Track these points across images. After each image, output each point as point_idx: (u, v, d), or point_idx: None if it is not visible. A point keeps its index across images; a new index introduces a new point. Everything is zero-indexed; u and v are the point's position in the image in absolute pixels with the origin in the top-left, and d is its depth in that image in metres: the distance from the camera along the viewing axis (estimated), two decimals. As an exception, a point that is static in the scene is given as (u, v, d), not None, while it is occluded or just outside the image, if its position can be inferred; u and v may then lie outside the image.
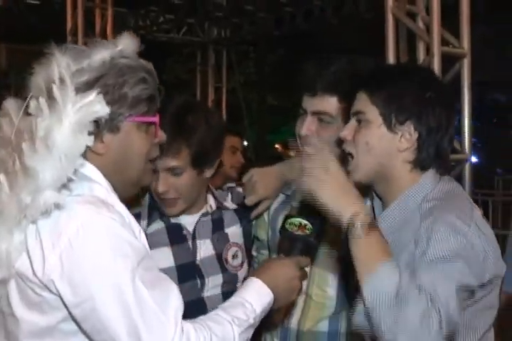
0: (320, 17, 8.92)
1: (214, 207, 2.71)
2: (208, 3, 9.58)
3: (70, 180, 1.80)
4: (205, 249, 2.63)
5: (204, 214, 2.67)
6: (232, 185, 2.89)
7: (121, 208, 1.92)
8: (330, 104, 2.46)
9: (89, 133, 1.82)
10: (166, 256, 2.56)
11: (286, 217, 2.22)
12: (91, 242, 1.77)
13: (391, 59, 5.55)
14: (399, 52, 5.60)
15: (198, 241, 2.62)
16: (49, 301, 1.79)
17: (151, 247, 2.36)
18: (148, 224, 2.60)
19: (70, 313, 1.78)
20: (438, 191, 2.10)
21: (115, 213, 1.84)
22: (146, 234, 2.34)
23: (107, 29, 8.04)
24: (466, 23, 5.38)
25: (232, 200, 2.79)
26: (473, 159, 6.46)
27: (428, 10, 5.36)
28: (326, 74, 2.46)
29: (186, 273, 2.57)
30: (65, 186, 1.80)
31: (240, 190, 2.83)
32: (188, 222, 2.64)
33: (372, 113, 2.12)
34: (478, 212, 2.10)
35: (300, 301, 2.59)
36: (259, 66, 13.16)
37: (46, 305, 1.80)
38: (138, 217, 2.54)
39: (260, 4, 9.28)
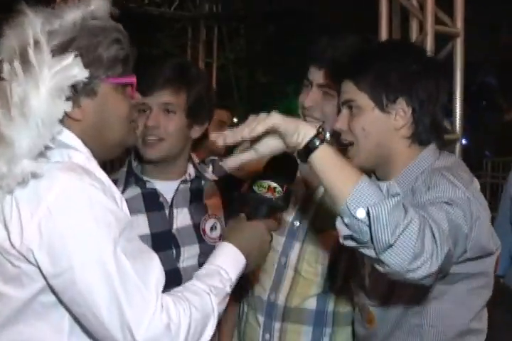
0: None
1: (193, 176, 2.66)
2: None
3: (47, 147, 1.75)
4: (181, 218, 2.58)
5: (183, 182, 2.62)
6: (215, 158, 2.84)
7: (102, 175, 1.87)
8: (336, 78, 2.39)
9: (67, 98, 1.76)
10: (140, 223, 2.50)
11: (254, 179, 2.14)
12: (72, 210, 1.70)
13: (384, 37, 5.50)
14: (392, 30, 5.57)
15: (174, 210, 2.57)
16: (27, 272, 1.73)
17: None
18: (124, 190, 2.53)
19: (48, 284, 1.73)
20: (439, 163, 2.10)
21: (96, 180, 1.78)
22: None
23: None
24: (460, 1, 5.36)
25: (213, 172, 2.74)
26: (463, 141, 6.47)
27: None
28: (338, 47, 2.41)
29: (161, 242, 2.51)
30: (42, 154, 1.74)
31: (221, 163, 2.71)
32: (165, 188, 2.58)
33: (362, 99, 2.11)
34: (477, 184, 2.10)
35: (288, 277, 2.56)
36: (250, 43, 13.08)
37: (24, 276, 1.74)
38: (115, 183, 2.41)
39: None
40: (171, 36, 11.71)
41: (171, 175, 2.61)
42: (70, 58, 1.76)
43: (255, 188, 2.10)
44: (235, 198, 2.39)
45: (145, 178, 2.57)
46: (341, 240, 1.77)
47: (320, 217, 2.50)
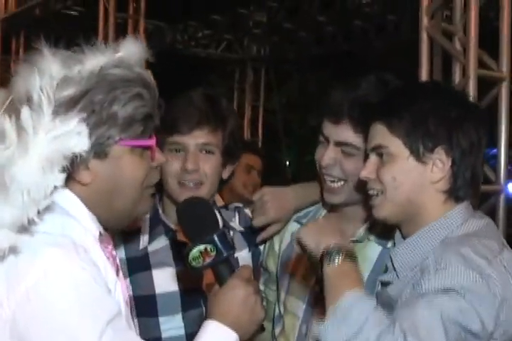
0: (361, 37, 8.77)
1: (221, 224, 2.40)
2: (247, 20, 9.46)
3: (31, 222, 1.52)
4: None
5: None
6: (239, 204, 2.67)
7: (98, 253, 1.68)
8: (356, 134, 2.22)
9: (62, 170, 1.53)
10: (169, 279, 2.37)
11: (186, 254, 1.89)
12: (52, 299, 1.50)
13: (424, 80, 5.23)
14: (433, 73, 5.29)
15: None
16: None
17: (153, 267, 2.38)
18: (150, 241, 2.40)
19: None
20: (465, 228, 1.90)
21: (87, 260, 1.58)
22: (148, 253, 2.38)
23: (139, 42, 7.78)
24: (506, 44, 5.07)
25: (239, 222, 2.57)
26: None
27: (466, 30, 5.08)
28: (353, 99, 2.21)
29: (191, 300, 2.37)
30: (26, 226, 1.52)
31: (247, 211, 2.61)
32: None
33: (395, 145, 1.92)
34: (510, 255, 1.85)
35: None
36: (302, 87, 12.97)
37: None
38: (137, 233, 2.40)
39: (300, 23, 9.07)
40: (220, 79, 11.72)
41: None
42: (72, 123, 1.55)
43: (193, 263, 1.87)
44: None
45: (174, 227, 2.42)
46: None
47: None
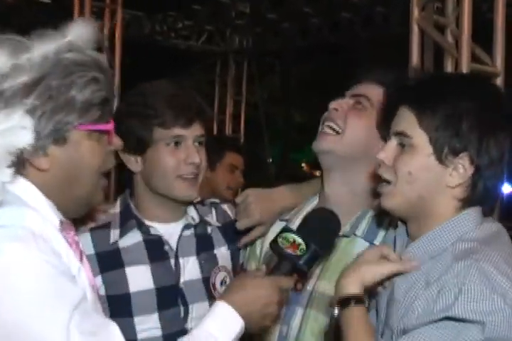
0: (348, 30, 8.68)
1: (197, 219, 2.46)
2: (229, 10, 9.31)
3: None
4: (189, 270, 2.38)
5: (187, 227, 2.42)
6: (216, 200, 2.65)
7: (59, 241, 1.70)
8: (373, 90, 2.28)
9: (9, 166, 1.56)
10: (143, 277, 2.32)
11: (282, 230, 2.01)
12: (17, 290, 1.54)
13: (414, 74, 5.04)
14: (424, 67, 5.25)
15: (181, 260, 2.37)
16: None
17: (126, 264, 2.34)
18: (122, 235, 2.35)
19: None
20: (479, 232, 1.82)
21: (47, 251, 1.60)
22: (119, 249, 2.34)
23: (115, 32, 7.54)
24: (500, 38, 5.05)
25: (216, 219, 2.54)
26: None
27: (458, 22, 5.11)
28: (381, 67, 2.33)
29: (167, 298, 2.33)
30: None
31: (224, 207, 2.61)
32: (167, 233, 2.39)
33: (420, 138, 1.82)
34: None
35: None
36: (285, 80, 12.79)
37: None
38: (107, 227, 2.37)
39: (284, 14, 8.97)
40: (200, 72, 11.56)
41: (173, 216, 2.43)
42: (16, 117, 1.57)
43: (279, 240, 1.96)
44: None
45: (147, 222, 2.38)
46: None
47: (324, 281, 2.26)
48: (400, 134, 1.86)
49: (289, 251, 1.93)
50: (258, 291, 1.91)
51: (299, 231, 1.96)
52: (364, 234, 2.27)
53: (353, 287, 1.84)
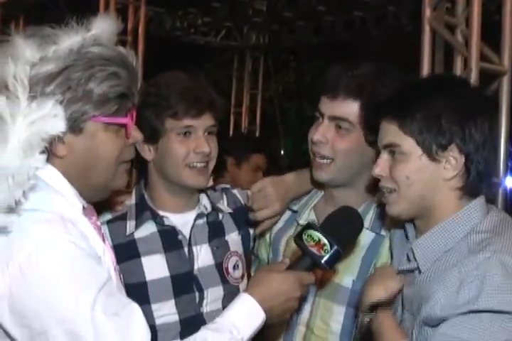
0: (360, 27, 8.79)
1: (209, 208, 2.49)
2: (247, 8, 9.42)
3: (18, 203, 1.59)
4: (203, 257, 2.42)
5: (199, 216, 2.46)
6: (226, 185, 2.69)
7: (85, 224, 1.75)
8: (351, 109, 2.24)
9: (42, 152, 1.62)
10: (159, 265, 2.36)
11: (307, 226, 1.99)
12: (44, 271, 1.57)
13: (426, 72, 5.23)
14: (434, 65, 5.29)
15: (194, 248, 2.41)
16: None
17: (141, 254, 2.37)
18: (137, 226, 2.39)
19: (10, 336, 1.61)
20: (489, 222, 1.88)
21: (75, 234, 1.66)
22: (135, 240, 2.38)
23: (139, 28, 7.75)
24: (508, 38, 5.06)
25: (227, 204, 2.58)
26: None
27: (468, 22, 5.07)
28: (351, 75, 2.24)
29: (183, 285, 2.36)
30: (14, 207, 1.59)
31: (235, 191, 2.63)
32: (181, 223, 2.43)
33: (407, 144, 1.90)
34: None
35: (299, 334, 2.35)
36: (299, 75, 12.94)
37: None
38: (123, 218, 2.41)
39: (299, 12, 9.06)
40: (219, 66, 11.66)
41: (186, 206, 2.46)
42: (48, 106, 1.62)
43: (304, 236, 1.97)
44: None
45: (161, 213, 2.42)
46: None
47: (333, 269, 2.28)
48: (389, 146, 1.94)
49: (314, 250, 1.93)
50: (282, 286, 1.91)
51: (323, 229, 1.96)
52: (370, 225, 2.31)
53: (379, 293, 1.96)
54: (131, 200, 2.45)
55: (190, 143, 2.36)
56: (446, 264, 1.84)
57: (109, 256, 1.83)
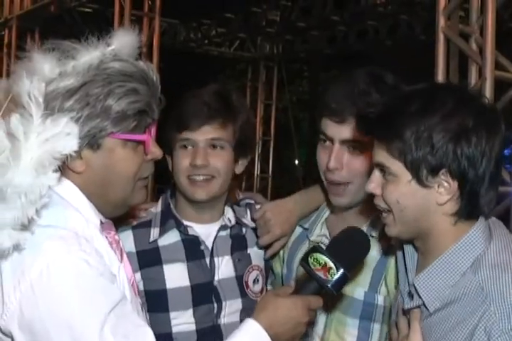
0: (374, 37, 8.82)
1: (233, 221, 2.49)
2: (261, 19, 9.46)
3: (31, 221, 1.55)
4: (224, 268, 2.42)
5: (223, 228, 2.46)
6: (251, 201, 2.66)
7: (100, 241, 1.73)
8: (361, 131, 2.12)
9: (55, 170, 1.58)
10: (180, 274, 2.36)
11: (313, 249, 1.92)
12: (56, 289, 1.56)
13: (440, 81, 5.23)
14: (449, 74, 5.26)
15: (215, 259, 2.41)
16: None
17: (164, 262, 2.37)
18: (161, 234, 2.40)
19: None
20: (494, 253, 1.74)
21: (89, 251, 1.63)
22: (158, 247, 2.39)
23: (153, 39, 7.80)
24: None
25: (251, 219, 2.56)
26: None
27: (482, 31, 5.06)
28: (356, 96, 2.15)
29: (202, 295, 2.36)
30: (27, 224, 1.56)
31: (258, 207, 2.59)
32: (204, 233, 2.42)
33: (396, 166, 1.78)
34: None
35: None
36: (313, 85, 12.98)
37: None
38: (148, 225, 2.42)
39: (312, 22, 9.10)
40: (232, 77, 11.71)
41: (210, 217, 2.46)
42: (61, 124, 1.58)
43: (310, 260, 1.89)
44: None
45: (185, 223, 2.42)
46: None
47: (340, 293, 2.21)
48: (379, 165, 1.83)
49: (320, 274, 1.87)
50: (290, 312, 1.83)
51: (329, 252, 1.89)
52: (380, 235, 2.24)
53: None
54: (157, 208, 2.46)
55: (188, 156, 2.37)
56: (463, 311, 1.71)
57: (124, 275, 1.80)
